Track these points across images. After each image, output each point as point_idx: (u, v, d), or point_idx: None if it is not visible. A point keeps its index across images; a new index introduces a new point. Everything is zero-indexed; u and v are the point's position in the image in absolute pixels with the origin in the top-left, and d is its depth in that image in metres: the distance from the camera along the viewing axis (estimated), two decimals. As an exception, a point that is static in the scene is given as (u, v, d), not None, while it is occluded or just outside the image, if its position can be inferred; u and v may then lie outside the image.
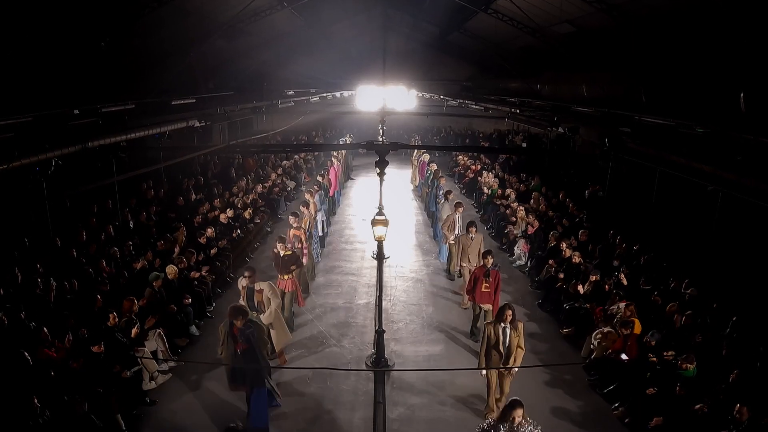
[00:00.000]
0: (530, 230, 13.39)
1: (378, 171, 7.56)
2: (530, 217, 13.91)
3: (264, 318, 7.86)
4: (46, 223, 10.41)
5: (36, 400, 6.14)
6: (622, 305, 8.90)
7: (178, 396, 7.83)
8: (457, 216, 11.80)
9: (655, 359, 7.64)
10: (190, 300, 9.56)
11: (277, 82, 23.90)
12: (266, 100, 21.02)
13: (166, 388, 7.98)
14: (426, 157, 19.59)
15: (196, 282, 10.34)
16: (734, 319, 7.88)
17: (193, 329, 9.51)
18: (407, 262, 13.24)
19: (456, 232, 11.69)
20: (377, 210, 7.97)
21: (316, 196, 13.10)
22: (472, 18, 20.74)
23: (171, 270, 9.73)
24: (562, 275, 10.75)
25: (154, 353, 8.24)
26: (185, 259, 10.51)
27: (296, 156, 22.66)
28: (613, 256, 11.07)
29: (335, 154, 19.10)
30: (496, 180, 18.61)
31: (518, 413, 5.33)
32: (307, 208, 12.38)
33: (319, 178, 15.67)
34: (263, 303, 8.07)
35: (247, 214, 14.36)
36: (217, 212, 13.82)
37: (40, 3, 9.72)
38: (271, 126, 22.15)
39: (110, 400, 6.84)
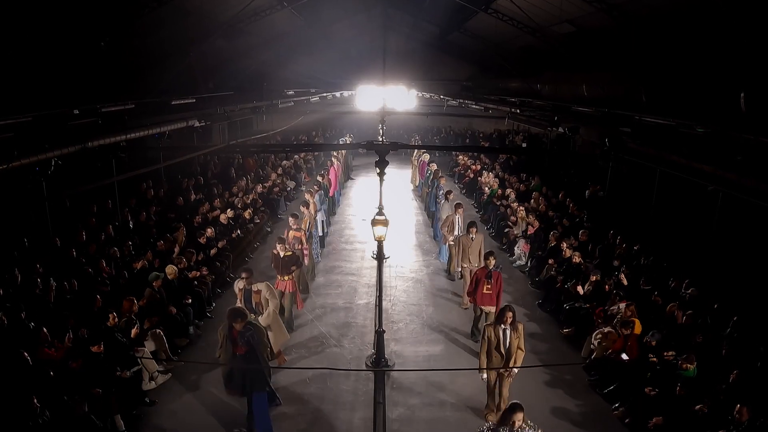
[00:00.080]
0: (530, 230, 13.38)
1: (378, 171, 7.54)
2: (530, 217, 13.90)
3: (262, 319, 7.79)
4: (45, 223, 10.40)
5: (36, 401, 6.12)
6: (622, 305, 8.89)
7: (178, 396, 7.82)
8: (456, 217, 11.78)
9: (655, 359, 7.63)
10: (190, 300, 9.56)
11: (277, 82, 23.87)
12: (266, 100, 21.00)
13: (166, 388, 7.97)
14: (426, 157, 19.59)
15: (195, 282, 10.33)
16: (735, 319, 7.87)
17: (193, 329, 9.50)
18: (407, 262, 13.23)
19: (455, 233, 11.68)
20: (377, 210, 7.95)
21: (316, 196, 13.09)
22: (472, 18, 20.75)
23: (171, 270, 9.72)
24: (561, 277, 10.74)
25: (154, 353, 8.23)
26: (185, 259, 10.50)
27: (296, 156, 22.65)
28: (613, 256, 11.06)
29: (335, 154, 19.09)
30: (496, 180, 18.60)
31: (518, 417, 5.28)
32: (307, 208, 12.37)
33: (319, 178, 15.67)
34: (261, 304, 8.03)
35: (247, 214, 14.35)
36: (216, 212, 13.81)
37: (40, 3, 9.71)
38: (271, 126, 22.13)
39: (110, 400, 6.83)
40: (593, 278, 9.91)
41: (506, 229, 14.49)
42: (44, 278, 8.74)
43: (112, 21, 11.79)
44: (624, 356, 7.92)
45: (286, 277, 9.35)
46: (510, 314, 6.92)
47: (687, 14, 10.63)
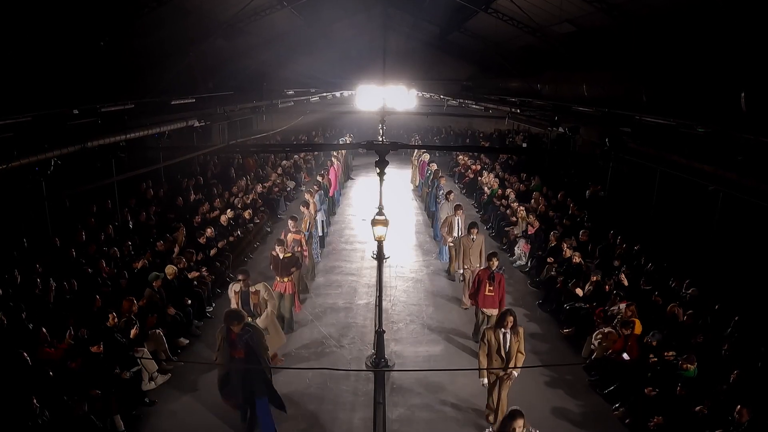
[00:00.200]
0: (530, 230, 13.37)
1: (378, 171, 7.52)
2: (530, 217, 13.89)
3: (260, 321, 7.73)
4: (45, 223, 10.39)
5: (35, 401, 6.11)
6: (622, 306, 8.88)
7: (178, 396, 7.82)
8: (456, 218, 11.75)
9: (655, 359, 7.62)
10: (190, 302, 9.55)
11: (277, 82, 23.86)
12: (266, 100, 21.00)
13: (166, 388, 7.96)
14: (426, 156, 19.58)
15: (195, 282, 10.32)
16: (736, 319, 7.86)
17: (193, 330, 9.48)
18: (407, 262, 13.22)
19: (455, 234, 11.66)
20: (377, 210, 7.94)
21: (316, 196, 13.07)
22: (472, 17, 20.73)
23: (170, 270, 9.70)
24: (561, 277, 10.73)
25: (154, 353, 8.21)
26: (185, 259, 10.48)
27: (296, 156, 22.63)
28: (613, 256, 11.05)
29: (335, 153, 19.07)
30: (497, 180, 18.59)
31: (518, 424, 5.15)
32: (307, 208, 12.36)
33: (319, 178, 15.65)
34: (260, 305, 7.97)
35: (246, 215, 14.34)
36: (216, 212, 13.80)
37: (40, 3, 9.70)
38: (270, 126, 22.15)
39: (110, 400, 6.82)
40: (593, 278, 9.90)
41: (506, 229, 14.49)
42: (44, 278, 8.73)
43: (111, 21, 11.78)
44: (625, 356, 7.91)
45: (285, 279, 9.33)
46: (511, 318, 6.83)
47: (687, 14, 10.62)
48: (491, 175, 19.23)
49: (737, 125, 8.21)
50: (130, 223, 12.52)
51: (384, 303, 9.08)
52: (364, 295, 11.25)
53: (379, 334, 8.20)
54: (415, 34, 28.38)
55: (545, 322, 10.23)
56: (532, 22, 16.28)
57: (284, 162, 21.56)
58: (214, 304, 10.59)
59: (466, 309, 10.53)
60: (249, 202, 15.47)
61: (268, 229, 15.01)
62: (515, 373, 6.98)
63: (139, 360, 7.68)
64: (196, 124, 15.37)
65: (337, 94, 26.60)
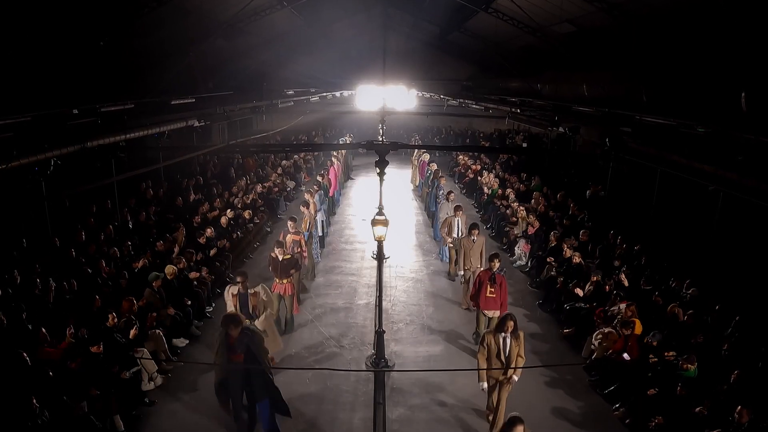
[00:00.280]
0: (531, 230, 13.37)
1: (378, 171, 7.52)
2: (531, 217, 13.89)
3: (258, 323, 7.66)
4: (45, 223, 10.39)
5: (35, 401, 6.11)
6: (622, 306, 8.87)
7: (178, 396, 7.81)
8: (456, 219, 11.74)
9: (656, 360, 7.61)
10: (190, 302, 9.54)
11: (277, 82, 23.85)
12: (266, 100, 20.98)
13: (166, 388, 7.96)
14: (426, 156, 19.58)
15: (195, 282, 10.31)
16: (736, 319, 7.85)
17: (193, 330, 9.48)
18: (407, 262, 13.21)
19: (455, 235, 11.65)
20: (377, 210, 7.94)
21: (316, 196, 13.07)
22: (472, 17, 20.72)
23: (170, 270, 9.70)
24: (561, 277, 10.72)
25: (154, 354, 8.20)
26: (184, 259, 10.48)
27: (296, 156, 22.63)
28: (613, 256, 11.05)
29: (335, 153, 19.08)
30: (497, 180, 18.59)
31: (518, 430, 5.12)
32: (307, 208, 12.35)
33: (319, 178, 15.64)
34: (258, 307, 7.92)
35: (246, 215, 14.33)
36: (216, 212, 13.79)
37: (40, 3, 9.69)
38: (270, 126, 22.13)
39: (109, 400, 6.82)
40: (594, 278, 9.89)
41: (506, 229, 14.48)
42: (44, 278, 8.72)
43: (111, 21, 11.76)
44: (625, 356, 7.90)
45: (285, 281, 9.32)
46: (511, 323, 6.75)
47: (688, 13, 10.61)
48: (491, 175, 19.22)
49: (738, 125, 8.21)
50: (130, 223, 12.52)
51: (384, 303, 9.09)
52: (364, 295, 11.24)
53: (379, 334, 8.22)
54: (415, 34, 28.37)
55: (545, 322, 10.23)
56: (532, 21, 16.27)
57: (284, 162, 21.55)
58: (213, 305, 10.58)
59: (465, 309, 10.51)
60: (249, 202, 15.46)
61: (268, 229, 15.00)
62: (515, 377, 6.92)
63: (138, 360, 7.68)
64: (196, 124, 15.37)
65: (337, 94, 26.59)
